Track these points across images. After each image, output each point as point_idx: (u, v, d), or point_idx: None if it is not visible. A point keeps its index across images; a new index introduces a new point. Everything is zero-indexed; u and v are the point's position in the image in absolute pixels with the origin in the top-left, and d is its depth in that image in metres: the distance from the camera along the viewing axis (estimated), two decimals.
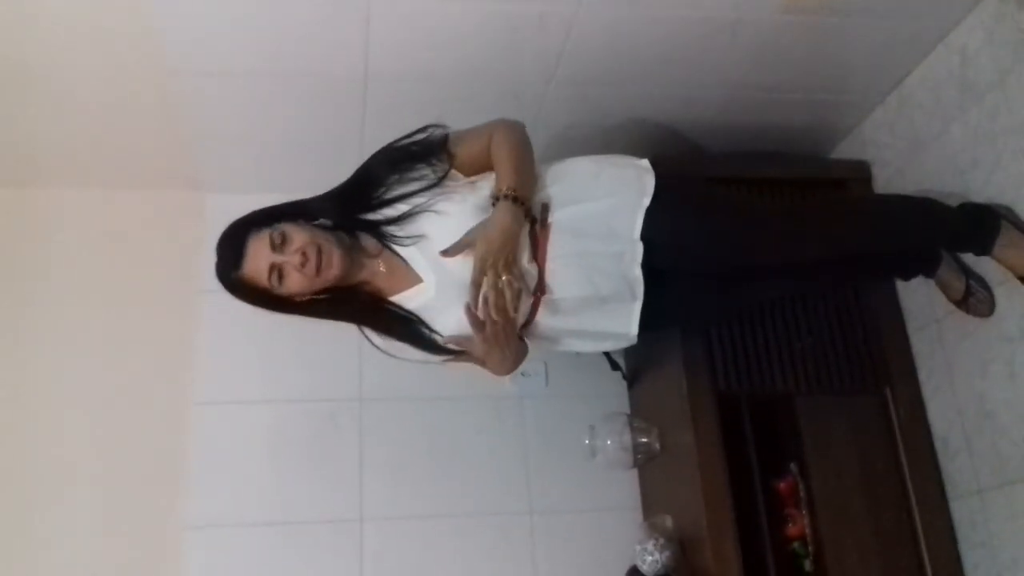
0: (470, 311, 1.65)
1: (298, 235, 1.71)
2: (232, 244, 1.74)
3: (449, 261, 1.71)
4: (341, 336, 2.41)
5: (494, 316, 1.64)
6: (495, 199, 1.69)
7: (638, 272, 1.77)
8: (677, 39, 2.15)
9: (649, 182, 1.78)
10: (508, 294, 1.64)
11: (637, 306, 1.81)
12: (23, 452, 2.28)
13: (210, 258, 1.77)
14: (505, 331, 1.68)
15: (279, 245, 1.70)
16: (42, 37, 1.96)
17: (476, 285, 1.65)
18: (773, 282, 2.07)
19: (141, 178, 2.54)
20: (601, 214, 1.76)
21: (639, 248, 1.76)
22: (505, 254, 1.65)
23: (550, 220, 1.74)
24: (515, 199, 1.67)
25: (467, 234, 1.68)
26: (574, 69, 2.21)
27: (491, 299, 1.63)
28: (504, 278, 1.63)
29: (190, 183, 2.56)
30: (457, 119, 2.31)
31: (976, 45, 2.13)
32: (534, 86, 2.28)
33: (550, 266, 1.73)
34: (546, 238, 1.73)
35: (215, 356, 2.44)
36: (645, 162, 1.84)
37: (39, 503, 2.24)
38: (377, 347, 1.87)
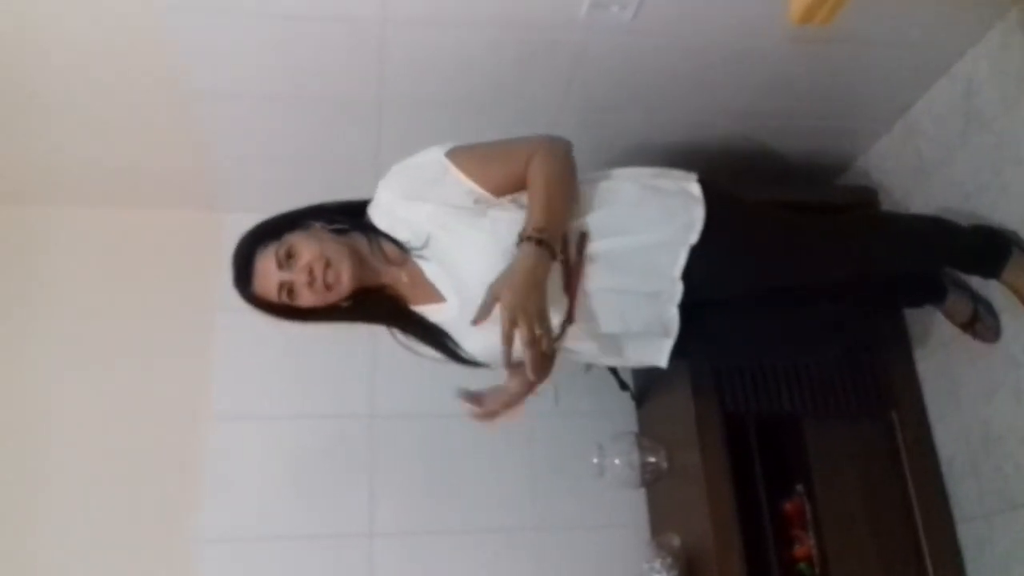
0: (508, 365, 1.54)
1: (306, 248, 1.62)
2: (241, 263, 1.66)
3: (474, 288, 1.56)
4: (353, 353, 2.47)
5: (531, 375, 1.52)
6: (520, 238, 1.54)
7: (675, 311, 1.68)
8: (688, 67, 2.17)
9: (698, 217, 1.65)
10: (544, 346, 1.50)
11: (669, 342, 1.72)
12: (39, 467, 2.29)
13: (226, 277, 1.73)
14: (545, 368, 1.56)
15: (285, 261, 1.62)
16: (58, 57, 1.97)
17: (508, 339, 1.48)
18: (801, 316, 1.94)
19: (158, 197, 2.56)
20: (642, 249, 1.63)
21: (679, 288, 1.66)
22: (533, 302, 1.48)
23: (587, 251, 1.61)
24: (539, 241, 1.52)
25: (489, 290, 1.52)
26: (584, 95, 2.24)
27: (527, 358, 1.49)
28: (538, 333, 1.48)
29: (207, 202, 2.58)
30: (469, 142, 2.36)
31: (981, 75, 2.15)
32: (545, 111, 2.30)
33: (581, 299, 1.62)
34: (580, 269, 1.60)
35: (230, 372, 2.45)
36: (696, 188, 1.70)
37: (54, 516, 2.25)
38: (402, 344, 1.80)
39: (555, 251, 1.54)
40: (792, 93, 2.31)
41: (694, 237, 1.64)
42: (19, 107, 2.14)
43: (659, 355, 1.75)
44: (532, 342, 1.48)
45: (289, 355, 2.44)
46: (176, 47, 1.97)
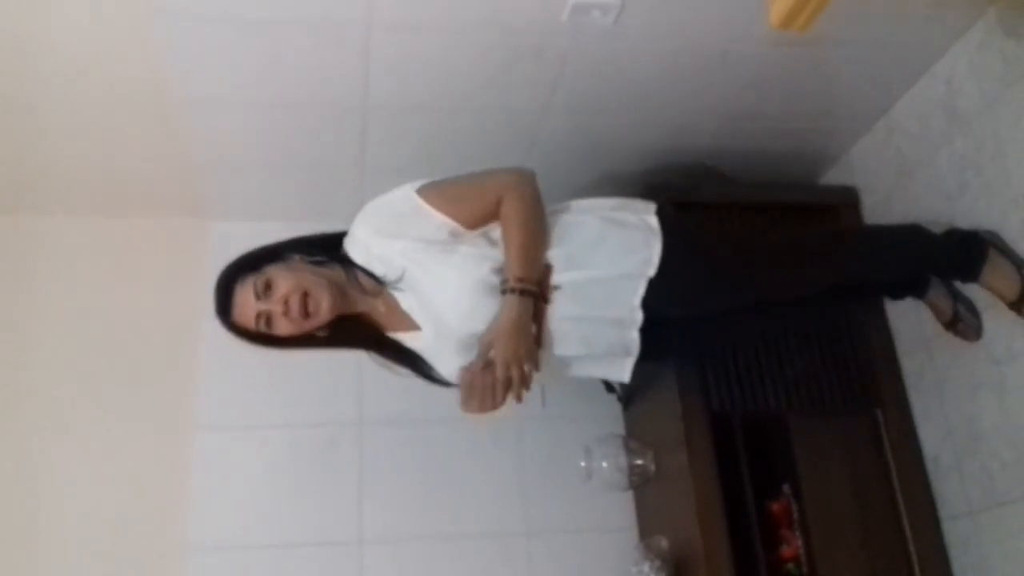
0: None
1: (283, 281, 1.69)
2: (221, 293, 1.74)
3: (449, 319, 1.71)
4: (341, 361, 2.44)
5: (518, 400, 1.70)
6: (503, 289, 1.67)
7: (635, 335, 1.78)
8: (670, 70, 2.18)
9: (656, 250, 1.75)
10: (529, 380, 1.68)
11: (631, 360, 1.83)
12: (24, 479, 2.28)
13: (212, 285, 1.77)
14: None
15: (263, 293, 1.69)
16: (46, 65, 1.97)
17: (506, 385, 1.66)
18: (767, 316, 2.07)
19: (145, 205, 2.55)
20: (603, 281, 1.74)
21: (639, 315, 1.76)
22: (523, 347, 1.65)
23: (551, 283, 1.72)
24: (523, 292, 1.66)
25: (482, 342, 1.68)
26: (569, 99, 2.24)
27: (515, 393, 1.67)
28: (528, 369, 1.66)
29: (193, 210, 2.58)
30: (454, 147, 2.36)
31: (962, 73, 2.16)
32: (530, 115, 2.30)
33: (547, 326, 1.73)
34: (545, 301, 1.71)
35: (217, 381, 2.44)
36: (654, 221, 1.81)
37: (41, 526, 2.24)
38: (376, 362, 1.89)
39: (537, 296, 1.68)
40: (774, 95, 2.32)
41: (652, 271, 1.75)
42: (4, 116, 2.13)
43: (622, 372, 1.86)
44: (523, 380, 1.66)
45: (277, 363, 2.36)
46: (162, 54, 1.97)
